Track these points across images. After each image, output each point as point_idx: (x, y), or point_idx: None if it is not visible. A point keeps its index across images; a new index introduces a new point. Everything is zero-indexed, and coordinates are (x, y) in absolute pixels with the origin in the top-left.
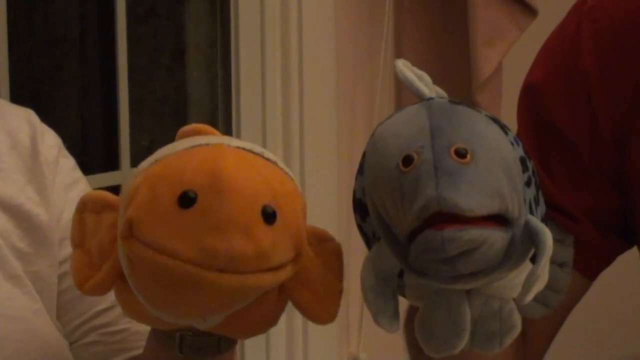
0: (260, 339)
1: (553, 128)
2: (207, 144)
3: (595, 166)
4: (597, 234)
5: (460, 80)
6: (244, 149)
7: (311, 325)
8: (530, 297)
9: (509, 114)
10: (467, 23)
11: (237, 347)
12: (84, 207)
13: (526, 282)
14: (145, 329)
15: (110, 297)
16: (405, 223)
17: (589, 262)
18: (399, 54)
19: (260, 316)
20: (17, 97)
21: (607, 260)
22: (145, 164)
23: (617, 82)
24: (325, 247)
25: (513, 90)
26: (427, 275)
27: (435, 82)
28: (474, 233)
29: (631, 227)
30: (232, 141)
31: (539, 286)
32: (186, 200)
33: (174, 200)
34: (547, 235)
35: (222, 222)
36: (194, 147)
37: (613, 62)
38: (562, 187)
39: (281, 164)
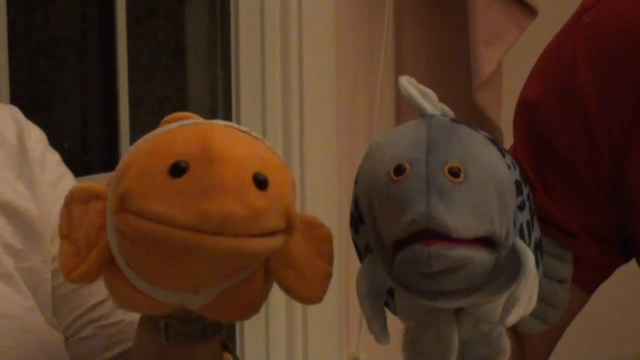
0: (260, 338)
1: (550, 145)
2: (195, 123)
3: (592, 182)
4: (596, 249)
5: (460, 80)
6: (231, 127)
7: (311, 325)
8: (510, 319)
9: (509, 114)
10: (467, 23)
11: (237, 348)
12: (72, 199)
13: (506, 304)
14: None
15: (105, 289)
16: (392, 232)
17: (588, 277)
18: (399, 54)
19: (247, 297)
20: (17, 97)
21: (606, 274)
22: (134, 145)
23: (613, 99)
24: (315, 234)
25: (513, 90)
26: (409, 287)
27: (435, 82)
28: (460, 252)
29: (629, 241)
30: (220, 122)
31: (520, 310)
32: (178, 169)
33: (165, 170)
34: (529, 258)
35: (214, 186)
36: (183, 125)
37: (609, 79)
38: (560, 203)
39: (268, 143)
